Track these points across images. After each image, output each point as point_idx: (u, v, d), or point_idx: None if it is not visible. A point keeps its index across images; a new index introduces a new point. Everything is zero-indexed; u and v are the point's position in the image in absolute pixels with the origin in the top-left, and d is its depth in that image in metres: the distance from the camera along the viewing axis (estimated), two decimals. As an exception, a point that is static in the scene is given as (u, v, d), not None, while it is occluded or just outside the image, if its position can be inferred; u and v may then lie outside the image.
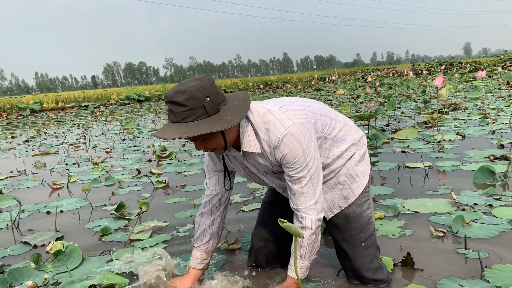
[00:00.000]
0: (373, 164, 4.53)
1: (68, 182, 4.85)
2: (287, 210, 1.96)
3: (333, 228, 2.00)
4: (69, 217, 3.62)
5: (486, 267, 2.09)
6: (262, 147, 1.74)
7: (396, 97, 13.43)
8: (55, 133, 11.30)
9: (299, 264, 1.81)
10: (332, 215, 1.96)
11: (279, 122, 1.70)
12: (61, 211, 3.77)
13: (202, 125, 1.56)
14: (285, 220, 1.55)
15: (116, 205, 3.53)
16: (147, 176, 4.76)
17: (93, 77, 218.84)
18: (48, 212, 3.79)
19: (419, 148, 5.27)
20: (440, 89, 7.17)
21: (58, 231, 3.22)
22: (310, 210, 1.76)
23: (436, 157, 4.68)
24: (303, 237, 1.72)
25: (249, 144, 1.74)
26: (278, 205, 2.14)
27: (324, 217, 1.92)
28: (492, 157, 4.41)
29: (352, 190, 1.93)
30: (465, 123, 7.03)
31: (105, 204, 3.91)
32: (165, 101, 1.60)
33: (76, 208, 3.84)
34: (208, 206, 2.02)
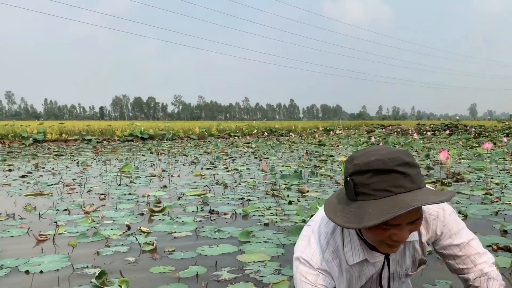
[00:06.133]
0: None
1: (55, 234, 4.68)
2: None
3: None
4: (47, 280, 3.44)
5: None
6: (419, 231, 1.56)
7: (399, 159, 13.30)
8: (53, 169, 11.19)
9: None
10: None
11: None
12: (41, 272, 3.59)
13: (432, 193, 1.31)
14: None
15: (97, 271, 3.36)
16: (135, 235, 4.58)
17: (101, 108, 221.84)
18: (27, 272, 3.60)
19: (419, 226, 5.09)
20: (444, 162, 7.08)
21: (32, 298, 3.05)
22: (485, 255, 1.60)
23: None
24: None
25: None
26: None
27: None
28: (495, 247, 4.23)
29: None
30: (467, 198, 6.87)
31: (87, 267, 3.73)
32: (390, 168, 1.27)
33: (57, 270, 3.66)
34: None
